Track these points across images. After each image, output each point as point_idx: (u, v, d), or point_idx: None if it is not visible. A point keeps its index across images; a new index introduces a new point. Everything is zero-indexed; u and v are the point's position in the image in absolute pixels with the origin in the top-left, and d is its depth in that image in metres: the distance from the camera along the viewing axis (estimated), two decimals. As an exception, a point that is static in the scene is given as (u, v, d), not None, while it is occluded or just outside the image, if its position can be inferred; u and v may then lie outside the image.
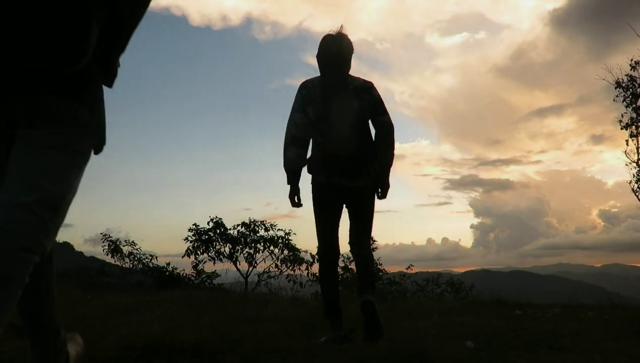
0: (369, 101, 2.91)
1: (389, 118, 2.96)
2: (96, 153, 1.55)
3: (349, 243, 3.06)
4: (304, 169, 2.99)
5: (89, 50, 1.42)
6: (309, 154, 2.97)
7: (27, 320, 1.61)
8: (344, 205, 3.00)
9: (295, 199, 2.99)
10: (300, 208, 3.05)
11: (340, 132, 2.83)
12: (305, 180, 3.04)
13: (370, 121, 2.98)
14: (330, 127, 2.83)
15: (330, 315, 2.97)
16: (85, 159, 1.50)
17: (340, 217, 3.02)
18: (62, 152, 1.40)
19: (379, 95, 2.95)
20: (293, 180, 2.96)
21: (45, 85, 1.40)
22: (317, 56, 2.93)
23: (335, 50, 2.86)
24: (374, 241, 10.96)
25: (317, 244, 3.04)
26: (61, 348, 1.72)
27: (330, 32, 2.90)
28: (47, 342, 1.67)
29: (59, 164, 1.39)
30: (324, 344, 2.84)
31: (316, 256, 3.31)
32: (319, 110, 2.83)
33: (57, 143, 1.40)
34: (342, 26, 2.90)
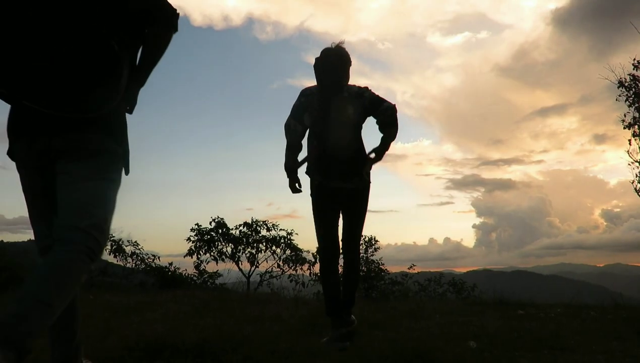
0: (363, 104, 3.05)
1: (389, 102, 3.06)
2: (126, 174, 1.88)
3: (342, 242, 3.18)
4: (302, 169, 3.18)
5: (121, 93, 1.75)
6: (303, 155, 3.18)
7: (59, 320, 1.78)
8: (340, 206, 3.15)
9: (295, 186, 3.17)
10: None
11: (335, 137, 3.00)
12: (304, 182, 3.21)
13: (374, 116, 3.09)
14: (326, 132, 3.01)
15: (332, 313, 3.03)
16: (118, 183, 1.83)
17: (338, 217, 3.16)
18: (100, 181, 1.74)
19: (373, 93, 3.09)
20: (289, 176, 3.18)
21: (81, 122, 1.70)
22: (316, 67, 3.07)
23: (333, 62, 3.03)
24: (377, 241, 10.96)
25: (317, 244, 3.18)
26: (78, 348, 1.94)
27: (330, 46, 3.07)
28: (69, 341, 1.95)
29: (99, 192, 1.73)
30: (326, 344, 2.89)
31: (317, 255, 3.45)
32: (316, 116, 3.02)
33: (95, 175, 1.73)
34: (342, 41, 3.07)
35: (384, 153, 3.15)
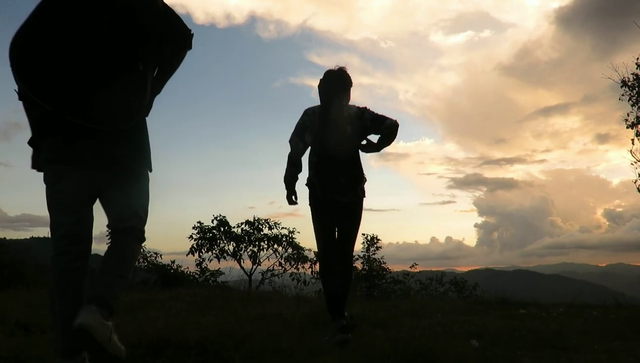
0: (364, 125, 3.30)
1: (391, 119, 3.28)
2: (150, 171, 2.21)
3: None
4: (300, 182, 3.41)
5: (147, 106, 2.12)
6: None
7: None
8: (336, 216, 3.35)
9: (292, 198, 3.37)
10: (304, 207, 3.40)
11: (334, 154, 3.24)
12: (301, 195, 3.43)
13: (376, 133, 3.33)
14: (326, 149, 3.25)
15: (333, 309, 3.14)
16: (148, 180, 2.21)
17: (336, 221, 3.36)
18: (136, 184, 2.13)
19: (373, 112, 3.32)
20: (288, 187, 3.37)
21: (113, 133, 2.00)
22: (319, 88, 3.34)
23: (335, 84, 3.30)
24: (378, 240, 10.96)
25: (317, 246, 3.39)
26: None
27: (333, 68, 3.34)
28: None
29: (138, 193, 2.15)
30: (328, 339, 2.97)
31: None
32: (316, 135, 3.26)
33: (132, 180, 2.11)
34: (344, 67, 3.35)
35: (373, 151, 3.40)
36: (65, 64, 1.90)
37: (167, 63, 2.20)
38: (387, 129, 3.27)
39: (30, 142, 2.10)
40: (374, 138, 3.37)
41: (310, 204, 3.36)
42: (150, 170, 2.21)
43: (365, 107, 3.34)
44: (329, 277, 3.22)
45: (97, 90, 1.92)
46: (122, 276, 2.04)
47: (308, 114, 3.34)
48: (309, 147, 3.36)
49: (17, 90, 1.96)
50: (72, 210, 2.05)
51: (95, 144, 2.00)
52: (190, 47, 2.21)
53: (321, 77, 3.36)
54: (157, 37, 2.09)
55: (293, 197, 3.37)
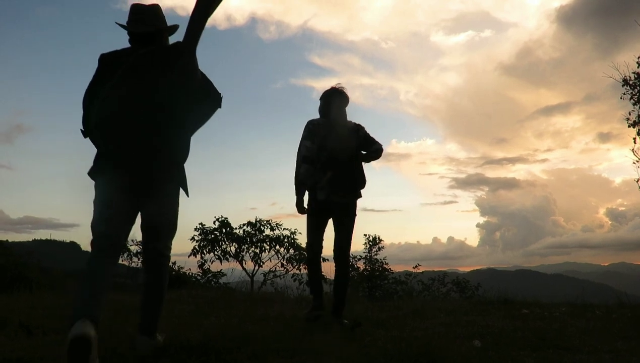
0: (360, 139, 3.81)
1: (379, 144, 3.82)
2: (187, 196, 2.64)
3: (334, 252, 3.74)
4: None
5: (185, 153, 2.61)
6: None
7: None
8: (332, 217, 3.75)
9: (303, 206, 3.78)
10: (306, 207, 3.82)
11: (338, 158, 3.66)
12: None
13: (364, 151, 3.82)
14: (331, 155, 3.65)
15: (314, 292, 3.80)
16: (178, 204, 2.62)
17: (327, 222, 3.77)
18: (173, 208, 2.59)
19: (367, 132, 3.85)
20: (300, 191, 3.78)
21: (157, 171, 2.47)
22: (325, 101, 3.82)
23: (339, 99, 3.81)
24: (381, 241, 10.96)
25: (307, 239, 3.83)
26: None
27: (334, 86, 3.85)
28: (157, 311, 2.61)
29: (173, 215, 2.60)
30: (307, 315, 3.70)
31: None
32: (322, 142, 3.66)
33: (169, 205, 2.56)
34: (344, 87, 3.86)
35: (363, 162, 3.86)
36: (125, 117, 2.41)
37: (200, 121, 2.63)
38: (375, 153, 3.80)
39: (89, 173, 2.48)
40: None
41: (308, 204, 3.76)
42: (187, 195, 2.66)
43: (360, 125, 3.85)
44: (314, 267, 3.82)
45: (147, 140, 2.42)
46: (163, 297, 2.69)
47: (314, 123, 3.74)
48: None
49: (82, 130, 2.49)
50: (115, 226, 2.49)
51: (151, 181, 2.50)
52: (220, 107, 2.64)
53: (324, 93, 3.87)
54: (196, 99, 2.56)
55: (303, 204, 3.77)
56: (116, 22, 2.62)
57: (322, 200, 3.61)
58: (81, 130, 2.48)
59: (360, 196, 3.77)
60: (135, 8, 2.60)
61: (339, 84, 3.87)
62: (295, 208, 3.80)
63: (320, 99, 3.88)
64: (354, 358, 2.50)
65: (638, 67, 8.64)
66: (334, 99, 3.81)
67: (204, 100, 2.59)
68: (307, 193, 3.78)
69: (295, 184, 3.77)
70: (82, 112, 2.47)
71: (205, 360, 2.34)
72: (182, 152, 2.55)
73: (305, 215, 3.78)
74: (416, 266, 10.96)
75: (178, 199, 2.59)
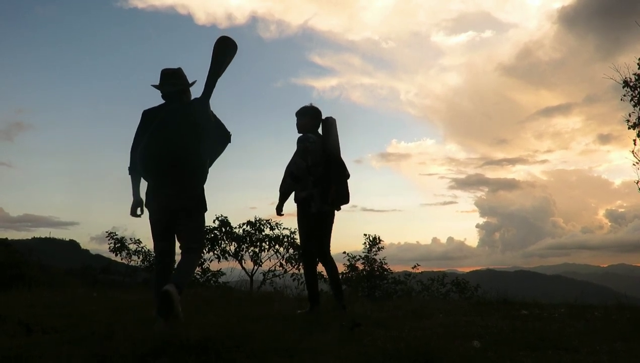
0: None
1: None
2: (205, 211, 3.53)
3: (319, 255, 4.20)
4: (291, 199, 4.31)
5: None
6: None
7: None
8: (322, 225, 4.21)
9: (280, 211, 4.30)
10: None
11: (332, 175, 4.07)
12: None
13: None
14: (323, 171, 4.08)
15: (313, 295, 4.21)
16: (204, 217, 3.56)
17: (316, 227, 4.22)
18: (197, 223, 3.48)
19: None
20: (282, 198, 4.28)
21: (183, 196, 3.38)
22: (324, 125, 4.21)
23: (335, 132, 4.19)
24: (380, 241, 10.95)
25: (304, 246, 4.26)
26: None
27: (332, 117, 4.26)
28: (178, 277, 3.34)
29: (199, 228, 3.53)
30: (306, 312, 4.12)
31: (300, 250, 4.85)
32: (316, 159, 4.06)
33: (195, 221, 3.45)
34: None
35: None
36: (160, 159, 3.29)
37: (215, 154, 3.52)
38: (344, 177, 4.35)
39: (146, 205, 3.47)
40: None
41: (304, 216, 4.15)
42: (206, 210, 3.51)
43: None
44: (311, 268, 4.25)
45: (176, 175, 3.31)
46: (190, 274, 3.57)
47: (309, 140, 4.09)
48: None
49: (129, 167, 3.42)
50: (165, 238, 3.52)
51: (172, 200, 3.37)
52: (230, 142, 3.53)
53: (326, 119, 4.22)
54: (211, 138, 3.41)
55: (281, 209, 4.28)
56: (151, 85, 3.51)
57: (315, 212, 4.04)
58: (128, 168, 3.43)
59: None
60: (165, 73, 3.50)
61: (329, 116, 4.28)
62: (294, 208, 4.20)
63: (319, 119, 4.23)
64: (353, 358, 2.50)
65: (639, 69, 8.63)
66: (334, 128, 4.19)
67: (217, 138, 3.46)
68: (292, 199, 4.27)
69: (280, 192, 4.25)
70: (129, 155, 3.41)
71: (204, 359, 2.34)
72: (202, 180, 3.44)
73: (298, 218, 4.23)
74: (415, 266, 10.96)
75: (201, 215, 3.48)
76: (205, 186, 3.53)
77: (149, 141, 3.30)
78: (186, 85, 3.53)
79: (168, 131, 3.33)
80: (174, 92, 3.47)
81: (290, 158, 4.23)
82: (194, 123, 3.36)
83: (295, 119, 4.30)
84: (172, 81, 3.47)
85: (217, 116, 3.52)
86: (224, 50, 3.40)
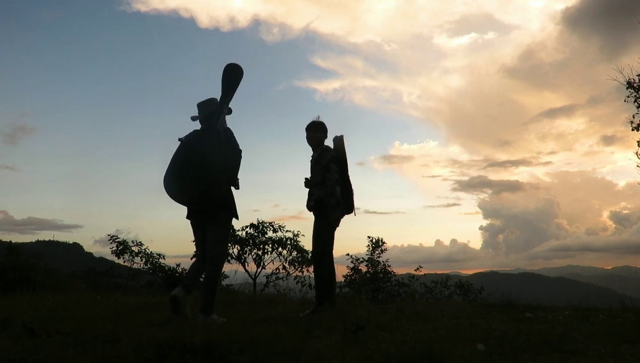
0: None
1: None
2: (237, 219, 4.17)
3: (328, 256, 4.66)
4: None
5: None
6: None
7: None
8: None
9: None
10: (305, 210, 4.74)
11: (349, 182, 4.76)
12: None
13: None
14: (345, 180, 4.71)
15: (322, 295, 4.52)
16: (229, 226, 4.37)
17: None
18: (221, 229, 4.08)
19: None
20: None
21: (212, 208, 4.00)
22: (335, 141, 4.81)
23: (343, 146, 4.80)
24: (383, 243, 10.93)
25: (318, 246, 4.63)
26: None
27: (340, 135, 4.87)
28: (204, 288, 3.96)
29: (223, 236, 4.11)
30: (308, 313, 4.34)
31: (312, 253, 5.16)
32: (339, 168, 4.62)
33: (220, 229, 4.06)
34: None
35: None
36: (185, 174, 3.92)
37: (229, 169, 4.01)
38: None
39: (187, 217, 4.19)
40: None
41: (330, 220, 4.56)
42: (237, 218, 4.15)
43: None
44: (323, 272, 4.58)
45: (198, 186, 3.88)
46: (216, 285, 4.08)
47: (336, 150, 4.75)
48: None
49: (164, 184, 4.00)
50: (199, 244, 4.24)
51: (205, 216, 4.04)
52: (241, 157, 4.06)
53: (340, 140, 4.78)
54: (223, 154, 3.92)
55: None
56: (191, 117, 4.21)
57: (336, 217, 4.57)
58: (164, 184, 3.99)
59: None
60: (198, 104, 4.23)
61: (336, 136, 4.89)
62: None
63: (336, 142, 4.78)
64: (356, 361, 2.49)
65: (642, 70, 8.59)
66: (343, 145, 4.80)
67: (230, 153, 3.98)
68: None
69: (333, 199, 4.52)
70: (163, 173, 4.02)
71: (208, 362, 2.34)
72: (221, 191, 3.90)
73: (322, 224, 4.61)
74: (418, 268, 10.92)
75: (225, 223, 4.09)
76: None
77: (176, 159, 4.08)
78: (212, 110, 4.14)
79: (190, 149, 4.05)
80: (204, 116, 4.18)
81: (311, 162, 4.74)
82: (212, 140, 3.97)
83: (305, 133, 4.78)
84: (202, 108, 4.21)
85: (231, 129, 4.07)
86: (235, 78, 4.10)
